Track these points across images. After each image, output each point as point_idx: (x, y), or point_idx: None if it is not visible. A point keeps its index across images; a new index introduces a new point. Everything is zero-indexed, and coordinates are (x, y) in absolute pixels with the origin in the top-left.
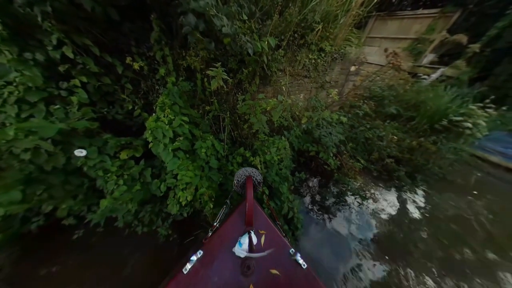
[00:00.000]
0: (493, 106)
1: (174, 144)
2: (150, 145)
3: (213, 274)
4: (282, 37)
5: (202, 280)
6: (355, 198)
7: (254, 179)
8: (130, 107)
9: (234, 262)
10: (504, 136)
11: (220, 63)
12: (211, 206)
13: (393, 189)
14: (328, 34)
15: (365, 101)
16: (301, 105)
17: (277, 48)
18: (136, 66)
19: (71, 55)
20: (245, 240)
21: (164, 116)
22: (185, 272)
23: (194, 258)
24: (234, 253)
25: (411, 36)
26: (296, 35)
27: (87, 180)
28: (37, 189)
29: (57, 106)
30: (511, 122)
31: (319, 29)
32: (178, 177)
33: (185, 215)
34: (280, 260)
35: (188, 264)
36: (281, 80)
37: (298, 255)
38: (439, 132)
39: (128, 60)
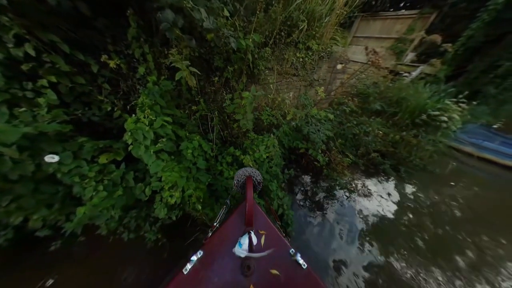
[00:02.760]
0: (465, 101)
1: (156, 145)
2: (130, 148)
3: (213, 274)
4: (268, 34)
5: (202, 280)
6: (344, 192)
7: (254, 179)
8: (109, 108)
9: (234, 262)
10: (476, 128)
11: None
12: (200, 207)
13: (379, 181)
14: (314, 32)
15: (352, 98)
16: (288, 102)
17: (263, 46)
18: (112, 64)
19: (32, 53)
20: (245, 240)
21: (144, 117)
22: (185, 273)
23: (194, 258)
24: (234, 253)
25: (394, 35)
26: (282, 33)
27: (62, 188)
28: (2, 200)
29: (23, 109)
30: (481, 116)
31: (304, 27)
32: (163, 179)
33: (174, 218)
34: (280, 260)
35: (188, 264)
36: (269, 79)
37: (299, 255)
38: (419, 126)
39: (104, 58)
